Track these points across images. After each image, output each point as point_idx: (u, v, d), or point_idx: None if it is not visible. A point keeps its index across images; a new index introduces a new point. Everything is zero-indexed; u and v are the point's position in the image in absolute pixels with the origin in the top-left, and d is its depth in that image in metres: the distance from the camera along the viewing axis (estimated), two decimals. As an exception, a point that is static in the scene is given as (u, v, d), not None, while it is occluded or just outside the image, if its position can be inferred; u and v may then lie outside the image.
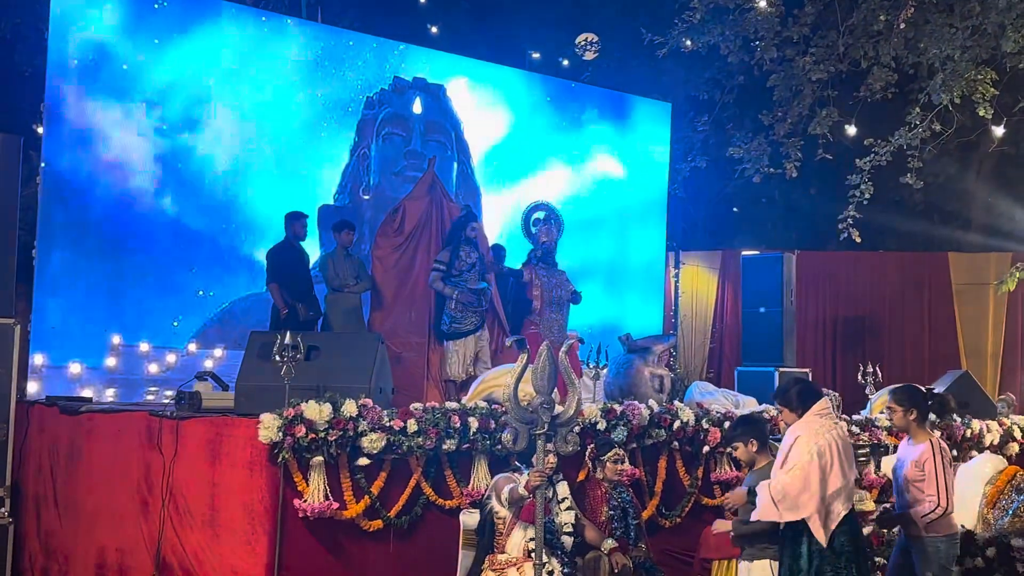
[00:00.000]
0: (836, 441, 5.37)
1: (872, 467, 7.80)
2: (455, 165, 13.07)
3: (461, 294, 9.25)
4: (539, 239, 10.13)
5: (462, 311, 9.31)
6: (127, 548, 6.85)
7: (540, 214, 10.44)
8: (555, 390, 5.80)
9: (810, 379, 10.95)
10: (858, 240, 12.55)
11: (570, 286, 10.08)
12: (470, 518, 6.30)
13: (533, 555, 5.76)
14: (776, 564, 5.50)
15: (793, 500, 5.29)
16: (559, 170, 13.95)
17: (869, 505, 7.35)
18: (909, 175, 12.27)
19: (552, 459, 5.95)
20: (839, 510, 5.29)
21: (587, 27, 14.08)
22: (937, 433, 6.41)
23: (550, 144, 13.97)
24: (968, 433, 8.76)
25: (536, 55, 15.20)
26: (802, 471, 5.30)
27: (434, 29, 14.76)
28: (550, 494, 6.12)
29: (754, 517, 5.49)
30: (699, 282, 15.70)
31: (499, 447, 6.30)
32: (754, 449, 5.76)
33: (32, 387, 9.45)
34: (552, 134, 14.04)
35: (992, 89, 11.78)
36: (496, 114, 13.58)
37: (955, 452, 8.48)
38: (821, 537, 5.26)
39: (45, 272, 9.95)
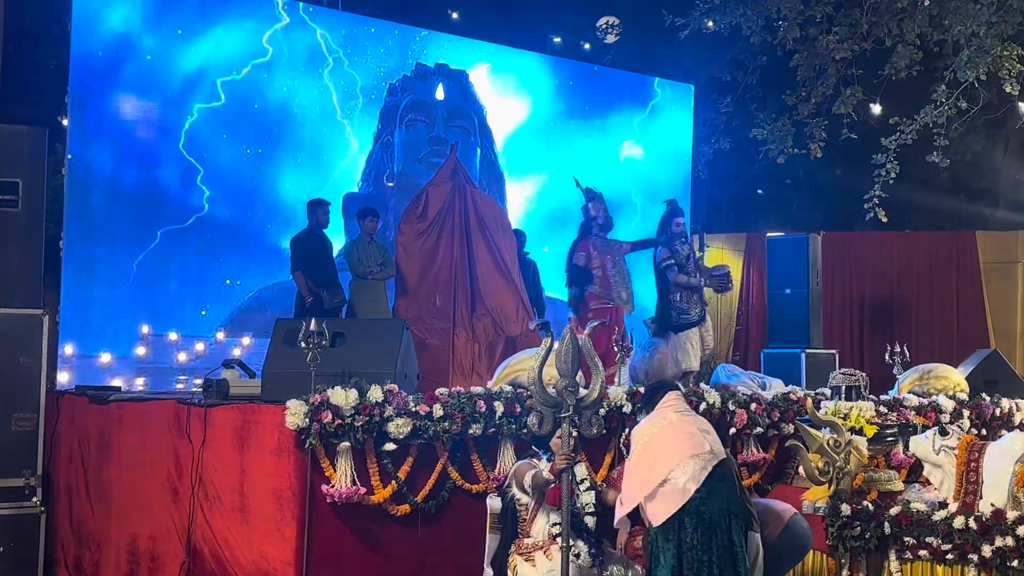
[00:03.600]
0: (656, 429, 5.62)
1: (900, 447, 7.76)
2: (478, 151, 13.07)
3: (709, 279, 9.43)
4: (590, 213, 10.08)
5: (687, 301, 9.35)
6: (158, 535, 6.93)
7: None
8: (579, 373, 5.80)
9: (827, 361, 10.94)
10: (884, 220, 12.46)
11: (625, 246, 10.02)
12: (497, 502, 6.32)
13: (559, 539, 5.78)
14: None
15: (625, 493, 5.64)
16: (582, 154, 13.91)
17: (898, 485, 7.30)
18: (935, 153, 12.17)
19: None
20: (675, 498, 5.41)
21: (608, 10, 14.04)
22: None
23: (573, 128, 13.94)
24: (997, 412, 8.68)
25: (557, 39, 15.15)
26: (625, 466, 5.69)
27: (455, 15, 14.73)
28: (569, 476, 6.14)
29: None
30: (724, 264, 15.62)
31: (524, 431, 6.31)
32: None
33: (63, 377, 9.55)
34: (574, 118, 14.01)
35: (1019, 65, 11.64)
36: (518, 99, 13.56)
37: (984, 431, 8.43)
38: (650, 519, 5.49)
39: (73, 263, 10.04)
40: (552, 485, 5.83)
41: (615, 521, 5.75)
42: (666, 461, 5.51)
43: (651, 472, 5.51)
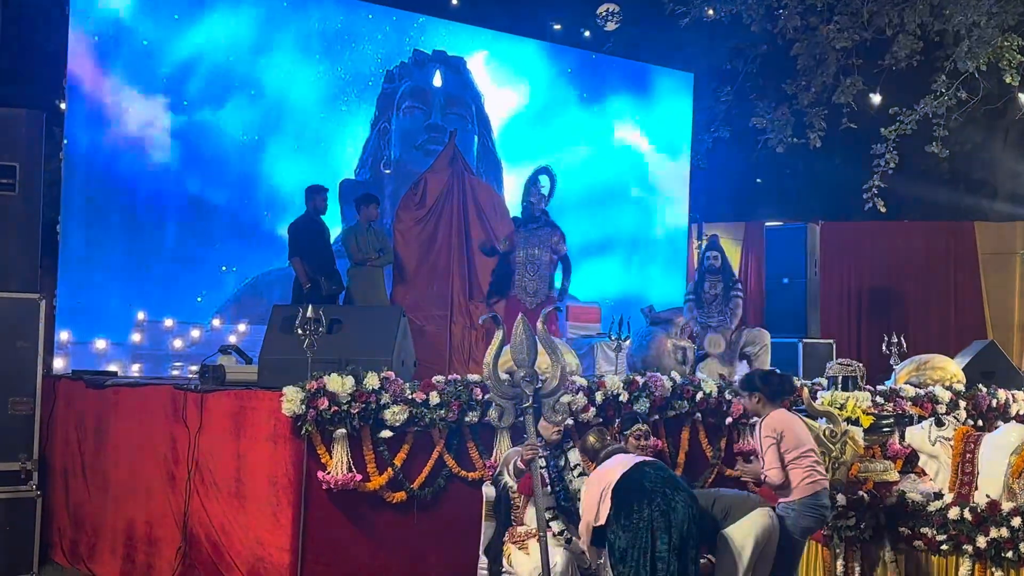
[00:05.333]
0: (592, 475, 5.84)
1: (896, 437, 7.77)
2: (476, 138, 13.03)
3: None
4: (532, 202, 9.92)
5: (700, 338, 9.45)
6: (155, 520, 6.93)
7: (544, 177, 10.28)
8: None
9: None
10: (883, 210, 12.46)
11: (561, 248, 9.89)
12: (492, 490, 6.31)
13: (552, 525, 5.79)
14: (753, 521, 5.70)
15: (581, 528, 5.79)
16: (581, 142, 13.89)
17: (893, 476, 7.31)
18: (935, 144, 12.16)
19: (553, 428, 6.02)
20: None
21: (608, -3, 13.95)
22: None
23: (571, 116, 13.91)
24: (994, 403, 8.70)
25: (557, 27, 15.08)
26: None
27: (454, 1, 14.67)
28: (562, 463, 6.14)
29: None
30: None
31: (520, 419, 6.31)
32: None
33: (59, 363, 9.53)
34: (573, 106, 13.98)
35: (1019, 56, 11.62)
36: (517, 86, 13.53)
37: (980, 422, 8.44)
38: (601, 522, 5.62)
39: (69, 248, 10.01)
40: (526, 474, 5.83)
41: (589, 561, 5.87)
42: (600, 485, 5.64)
43: (593, 499, 5.63)
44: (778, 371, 6.70)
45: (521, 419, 5.82)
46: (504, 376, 5.88)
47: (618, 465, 5.70)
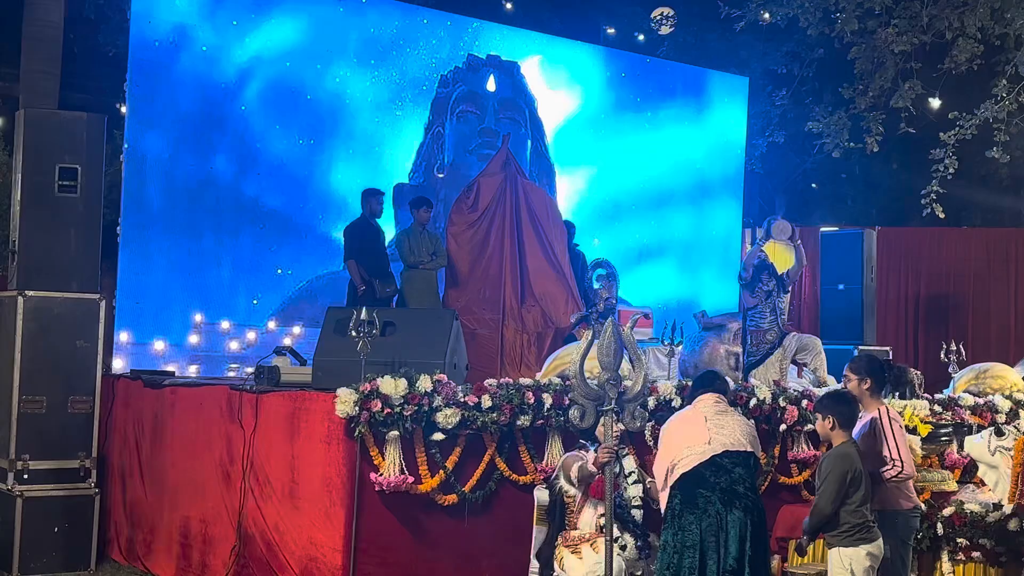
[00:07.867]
0: (670, 425, 5.68)
1: (955, 447, 7.66)
2: (529, 142, 13.03)
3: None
4: (600, 295, 9.75)
5: (755, 344, 9.11)
6: (210, 519, 7.02)
7: (602, 271, 10.18)
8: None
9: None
10: (942, 216, 12.29)
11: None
12: (544, 494, 6.31)
13: (605, 531, 5.77)
14: (861, 552, 5.35)
15: (656, 483, 5.66)
16: (634, 146, 13.84)
17: (951, 485, 7.20)
18: (995, 149, 11.98)
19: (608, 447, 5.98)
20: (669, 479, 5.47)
21: (662, 1, 13.92)
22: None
23: (625, 120, 13.86)
24: (1054, 412, 8.54)
25: (611, 30, 15.09)
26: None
27: (508, 5, 14.72)
28: (616, 469, 6.11)
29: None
30: (776, 259, 15.41)
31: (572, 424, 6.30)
32: (828, 426, 5.62)
33: (118, 363, 9.69)
34: (627, 110, 13.93)
35: (1082, 60, 11.43)
36: (571, 91, 13.50)
37: (1040, 432, 8.28)
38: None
39: (129, 250, 10.17)
40: (596, 478, 5.82)
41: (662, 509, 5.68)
42: (667, 454, 5.50)
43: (661, 464, 5.52)
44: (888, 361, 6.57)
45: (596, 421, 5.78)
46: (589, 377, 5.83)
47: (699, 439, 5.44)
